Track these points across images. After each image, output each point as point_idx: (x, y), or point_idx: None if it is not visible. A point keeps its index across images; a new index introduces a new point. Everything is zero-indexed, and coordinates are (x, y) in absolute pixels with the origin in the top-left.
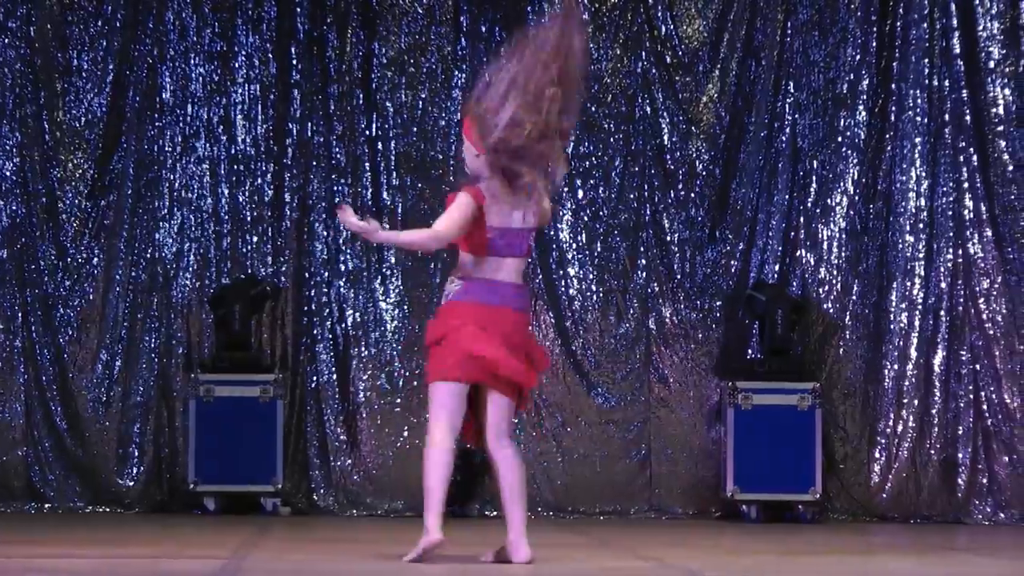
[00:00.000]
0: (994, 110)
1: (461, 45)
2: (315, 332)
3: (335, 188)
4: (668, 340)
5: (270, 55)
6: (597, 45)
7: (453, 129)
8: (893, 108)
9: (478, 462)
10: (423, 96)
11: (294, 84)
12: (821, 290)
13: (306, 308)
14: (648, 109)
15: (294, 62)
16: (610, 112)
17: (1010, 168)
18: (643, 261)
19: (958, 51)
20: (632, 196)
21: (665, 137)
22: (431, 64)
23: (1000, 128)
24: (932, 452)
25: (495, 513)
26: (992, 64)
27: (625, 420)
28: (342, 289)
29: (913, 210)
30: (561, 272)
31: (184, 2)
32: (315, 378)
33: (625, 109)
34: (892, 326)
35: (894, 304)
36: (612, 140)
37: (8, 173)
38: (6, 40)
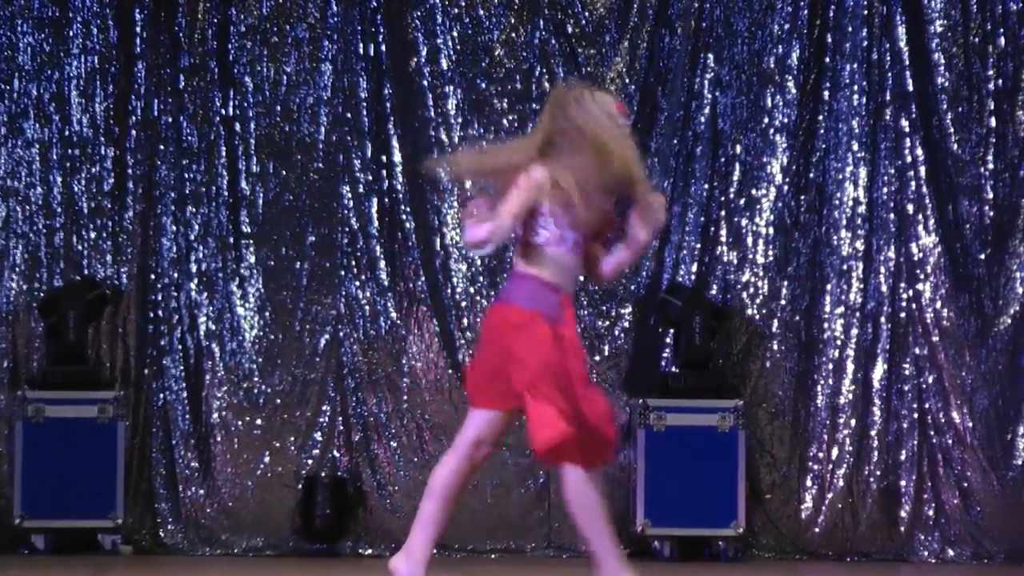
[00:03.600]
0: (941, 82)
1: (332, 11)
2: (162, 342)
3: (185, 175)
4: None
5: (110, 22)
6: (488, 12)
7: (322, 107)
8: (827, 85)
9: (351, 493)
10: (287, 70)
11: (138, 55)
12: (745, 294)
13: (152, 315)
14: (547, 86)
15: (138, 30)
16: (503, 90)
17: (960, 153)
18: None
19: (900, 19)
20: None
21: None
22: (297, 33)
23: (947, 107)
24: (871, 479)
25: (369, 551)
26: (939, 31)
27: (520, 444)
28: (193, 293)
29: (850, 202)
30: (447, 276)
31: None
32: (162, 395)
33: (520, 86)
34: (826, 335)
35: (828, 310)
36: (506, 122)
37: None
38: None
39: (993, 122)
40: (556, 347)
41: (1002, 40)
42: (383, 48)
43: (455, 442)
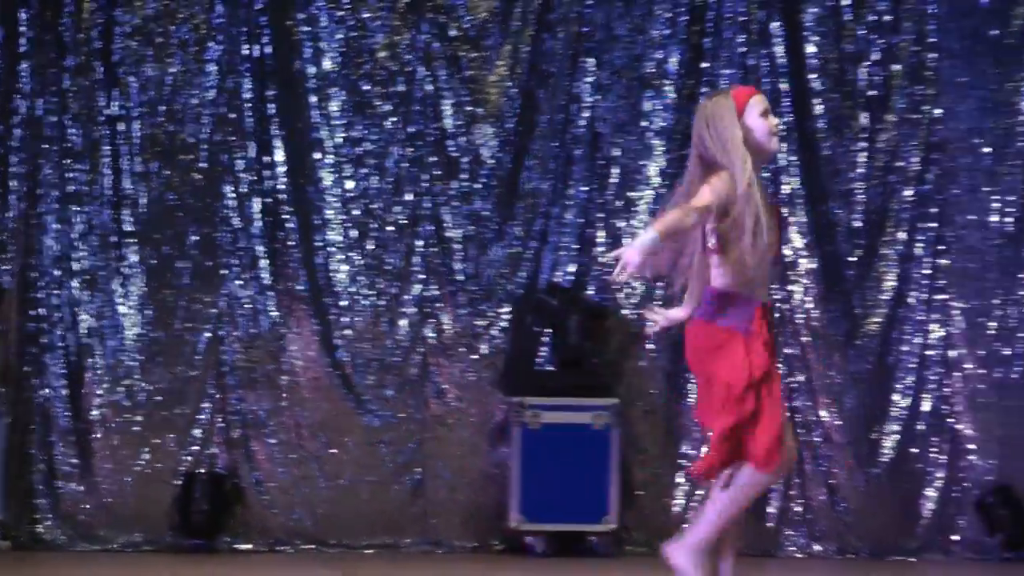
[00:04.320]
0: (815, 87)
1: (217, 13)
2: (43, 340)
3: (68, 175)
4: (447, 350)
5: None
6: (372, 15)
7: (207, 108)
8: (705, 90)
9: (228, 489)
10: (172, 71)
11: (23, 55)
12: (621, 295)
13: (32, 312)
14: (429, 88)
15: (23, 29)
16: (385, 92)
17: (832, 157)
18: (420, 261)
19: (777, 26)
20: (409, 187)
21: (448, 121)
22: (182, 34)
23: (821, 112)
24: None
25: (246, 547)
26: (814, 39)
27: (397, 441)
28: (75, 291)
29: None
30: (326, 273)
31: None
32: (42, 392)
33: (404, 88)
34: None
35: None
36: (387, 124)
37: None
38: None
39: (864, 127)
40: (749, 361)
41: (874, 47)
42: (268, 50)
43: None
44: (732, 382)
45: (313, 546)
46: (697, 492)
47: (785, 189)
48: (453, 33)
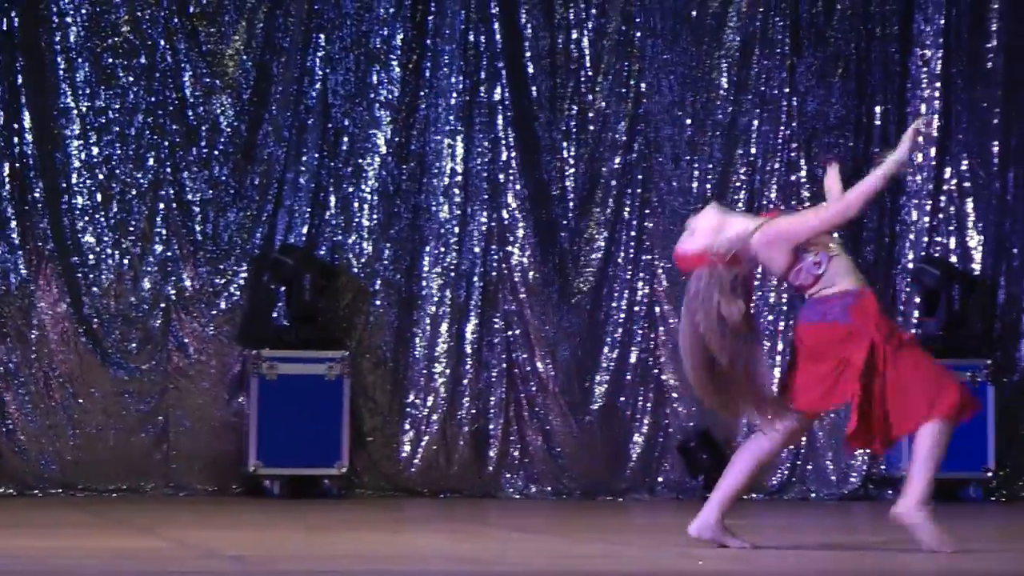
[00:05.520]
0: (531, 63)
1: None
2: None
3: None
4: (188, 306)
5: None
6: None
7: None
8: (428, 65)
9: None
10: None
11: None
12: (351, 254)
13: None
14: (169, 60)
15: None
16: (129, 63)
17: (547, 127)
18: (162, 223)
19: (495, 3)
20: (151, 154)
21: (187, 91)
22: None
23: (536, 86)
24: (463, 424)
25: None
26: (530, 18)
27: (141, 392)
28: None
29: (448, 172)
30: (73, 234)
31: None
32: None
33: (145, 61)
34: (424, 292)
35: (427, 270)
36: (131, 94)
37: None
38: None
39: (576, 100)
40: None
41: (588, 25)
42: (16, 23)
43: (776, 428)
44: (852, 359)
45: (61, 491)
46: (421, 440)
47: (503, 157)
48: (192, 9)
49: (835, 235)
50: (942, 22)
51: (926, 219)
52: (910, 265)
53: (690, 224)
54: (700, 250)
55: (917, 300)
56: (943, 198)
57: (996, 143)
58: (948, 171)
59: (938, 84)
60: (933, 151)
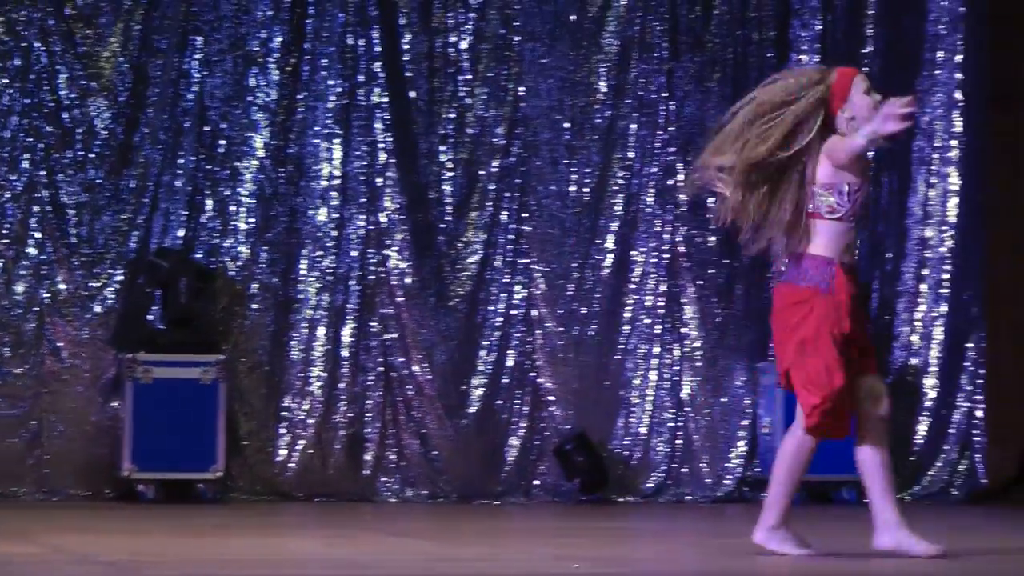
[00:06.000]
0: (409, 67)
1: None
2: None
3: None
4: (62, 310)
5: None
6: None
7: None
8: (306, 68)
9: None
10: None
11: None
12: (228, 258)
13: None
14: (45, 62)
15: None
16: (3, 65)
17: (423, 130)
18: (36, 225)
19: (374, 7)
20: (26, 156)
21: (63, 93)
22: None
23: (413, 88)
24: (339, 427)
25: None
26: (407, 23)
27: (14, 396)
28: None
29: (325, 175)
30: None
31: None
32: None
33: (20, 62)
34: (301, 296)
35: (304, 273)
36: (5, 96)
37: None
38: None
39: (454, 103)
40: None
41: (466, 29)
42: None
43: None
44: (806, 337)
45: None
46: (297, 444)
47: (380, 160)
48: (68, 11)
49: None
50: (819, 27)
51: None
52: (782, 268)
53: None
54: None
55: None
56: None
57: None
58: None
59: None
60: None
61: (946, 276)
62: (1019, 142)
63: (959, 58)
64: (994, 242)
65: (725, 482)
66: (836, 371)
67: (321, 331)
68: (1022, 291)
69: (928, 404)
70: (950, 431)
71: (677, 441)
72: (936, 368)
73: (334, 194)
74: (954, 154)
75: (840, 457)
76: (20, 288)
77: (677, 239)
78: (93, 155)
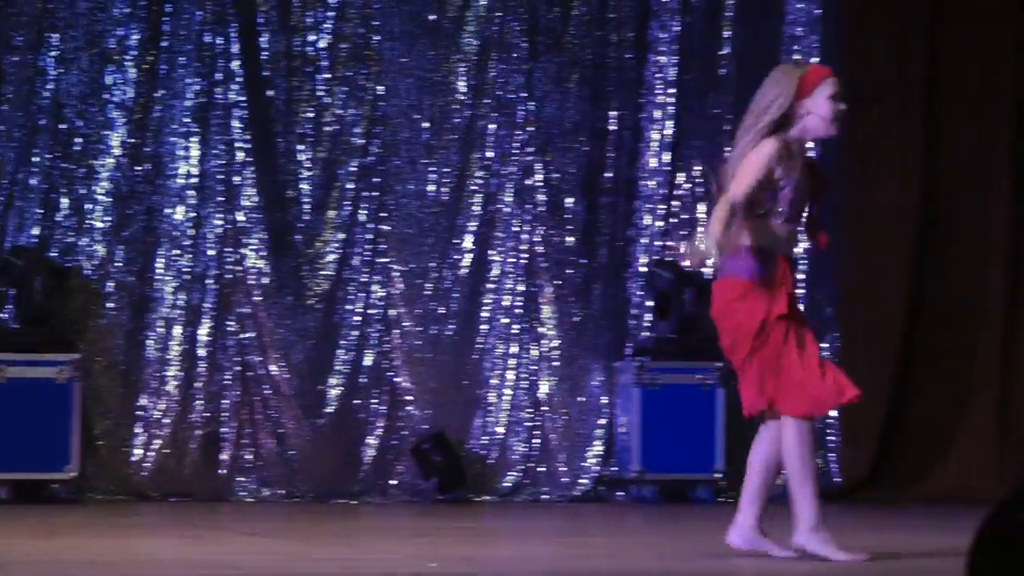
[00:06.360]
0: (265, 63)
1: None
2: None
3: None
4: None
5: None
6: None
7: None
8: (164, 66)
9: None
10: None
11: None
12: (83, 256)
13: None
14: None
15: None
16: None
17: (282, 130)
18: None
19: (231, 6)
20: None
21: None
22: None
23: (272, 87)
24: (196, 427)
25: None
26: (266, 21)
27: None
28: None
29: (183, 174)
30: None
31: None
32: None
33: None
34: (157, 295)
35: (160, 272)
36: None
37: None
38: None
39: (313, 103)
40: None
41: (325, 28)
42: None
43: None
44: (749, 326)
45: None
46: (153, 443)
47: (238, 159)
48: None
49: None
50: (677, 28)
51: (659, 223)
52: (643, 268)
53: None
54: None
55: (650, 303)
56: (676, 203)
57: (728, 149)
58: (681, 176)
59: (672, 90)
60: (667, 156)
61: (801, 276)
62: (870, 144)
63: (816, 60)
64: (848, 243)
65: (582, 481)
66: (804, 353)
67: (178, 330)
68: (875, 291)
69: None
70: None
71: (534, 440)
72: None
73: (191, 193)
74: (810, 155)
75: (696, 456)
76: None
77: (535, 239)
78: None
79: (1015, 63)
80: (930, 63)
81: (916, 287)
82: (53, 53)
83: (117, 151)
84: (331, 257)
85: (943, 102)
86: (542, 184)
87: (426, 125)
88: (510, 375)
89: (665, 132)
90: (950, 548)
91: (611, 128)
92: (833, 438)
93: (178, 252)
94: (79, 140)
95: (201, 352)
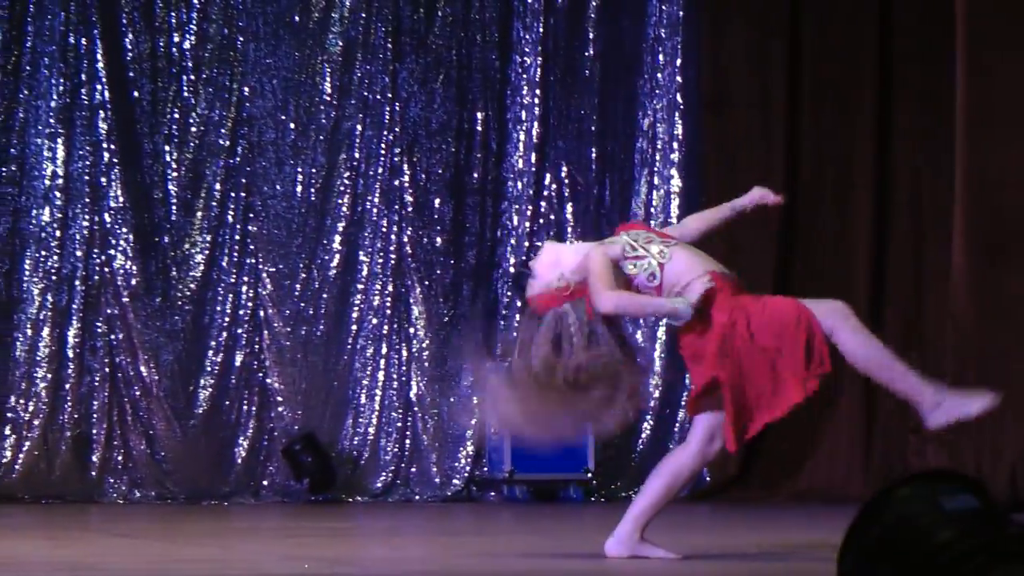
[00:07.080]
0: (131, 63)
1: None
2: None
3: None
4: None
5: None
6: None
7: None
8: (27, 67)
9: None
10: None
11: None
12: None
13: None
14: None
15: None
16: None
17: (143, 131)
18: None
19: (94, 2)
20: None
21: None
22: None
23: (138, 87)
24: (65, 429)
25: None
26: (131, 21)
27: None
28: None
29: (48, 175)
30: None
31: None
32: None
33: None
34: (24, 296)
35: (27, 274)
36: None
37: None
38: None
39: (178, 104)
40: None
41: (189, 28)
42: None
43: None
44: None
45: None
46: (22, 445)
47: (104, 160)
48: None
49: (657, 241)
50: (541, 30)
51: (527, 224)
52: (511, 269)
53: (531, 267)
54: (544, 291)
55: (519, 303)
56: (543, 203)
57: (593, 150)
58: (548, 177)
59: (537, 91)
60: (533, 157)
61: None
62: (732, 144)
63: (679, 61)
64: (710, 248)
65: (454, 482)
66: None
67: (46, 331)
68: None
69: (651, 404)
70: (674, 430)
71: (406, 441)
72: (659, 368)
73: (57, 194)
74: (676, 156)
75: (567, 457)
76: None
77: (403, 239)
78: None
79: (878, 57)
80: (792, 62)
81: (781, 289)
82: None
83: None
84: (199, 258)
85: (805, 101)
86: (409, 185)
87: (292, 126)
88: (380, 375)
89: (531, 133)
90: (820, 543)
91: (477, 129)
92: None
93: (45, 253)
94: None
95: (70, 353)
